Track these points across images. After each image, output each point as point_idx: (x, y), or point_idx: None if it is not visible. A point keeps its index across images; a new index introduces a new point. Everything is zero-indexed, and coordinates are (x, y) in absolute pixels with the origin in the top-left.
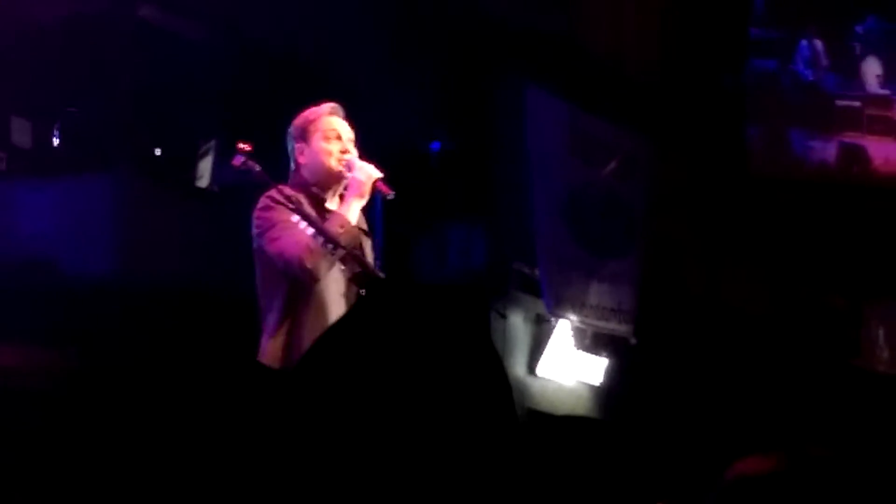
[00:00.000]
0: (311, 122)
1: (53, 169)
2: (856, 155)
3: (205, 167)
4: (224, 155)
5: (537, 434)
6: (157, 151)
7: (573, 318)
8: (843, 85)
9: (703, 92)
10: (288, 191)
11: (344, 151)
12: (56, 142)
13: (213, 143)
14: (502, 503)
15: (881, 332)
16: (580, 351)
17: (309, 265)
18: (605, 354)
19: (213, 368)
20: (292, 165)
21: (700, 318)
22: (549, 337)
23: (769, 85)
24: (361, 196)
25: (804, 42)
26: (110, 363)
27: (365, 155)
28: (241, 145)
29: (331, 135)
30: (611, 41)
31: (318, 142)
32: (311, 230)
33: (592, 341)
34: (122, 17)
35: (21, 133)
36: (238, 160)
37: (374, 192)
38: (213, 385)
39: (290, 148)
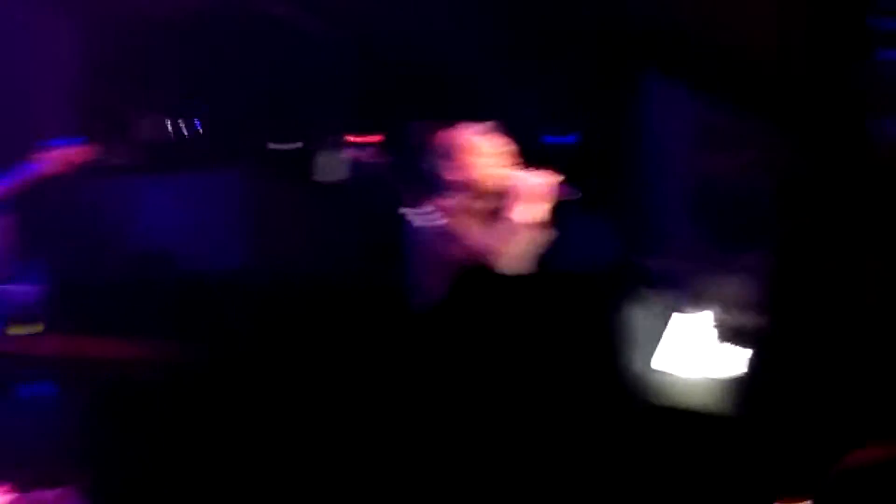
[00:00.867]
0: (458, 142)
1: (179, 163)
2: None
3: (330, 161)
4: (349, 149)
5: (663, 428)
6: (282, 146)
7: (703, 311)
8: None
9: (831, 83)
10: (448, 200)
11: (496, 171)
12: (183, 136)
13: (338, 137)
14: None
15: None
16: (710, 345)
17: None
18: (736, 348)
19: (338, 362)
20: (436, 180)
21: (834, 312)
22: (678, 331)
23: None
24: (536, 200)
25: None
26: (234, 357)
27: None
28: (368, 139)
29: (480, 155)
30: (740, 33)
31: (467, 162)
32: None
33: (723, 335)
34: (248, 12)
35: (147, 128)
36: (367, 153)
37: (549, 196)
38: (337, 378)
39: (431, 164)
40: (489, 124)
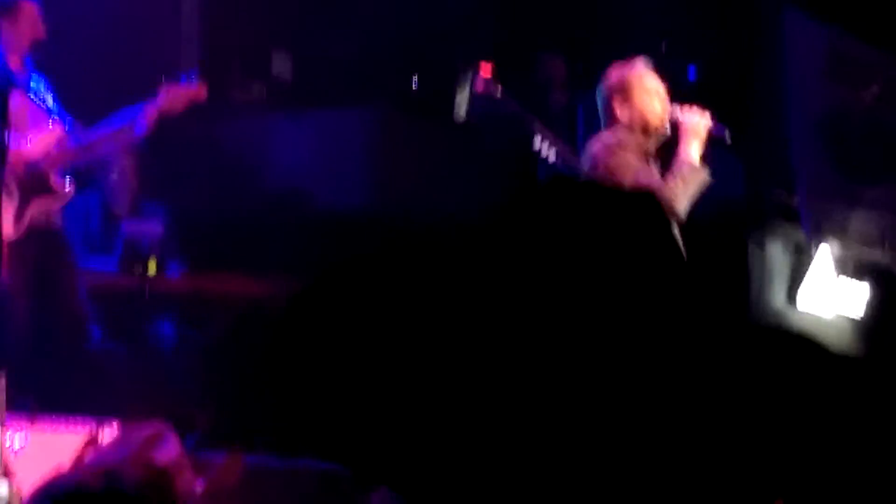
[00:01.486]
0: (631, 79)
1: (313, 101)
2: None
3: (462, 99)
4: (482, 86)
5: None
6: (415, 84)
7: (835, 246)
8: None
9: None
10: (626, 137)
11: (664, 109)
12: (314, 74)
13: (469, 74)
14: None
15: None
16: (842, 281)
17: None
18: (868, 284)
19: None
20: (607, 120)
21: None
22: (809, 266)
23: None
24: (699, 139)
25: None
26: (361, 297)
27: None
28: (482, 70)
29: (652, 93)
30: None
31: (640, 99)
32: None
33: (855, 271)
34: None
35: (282, 65)
36: (480, 85)
37: (709, 135)
38: (464, 320)
39: (603, 103)
40: (649, 61)
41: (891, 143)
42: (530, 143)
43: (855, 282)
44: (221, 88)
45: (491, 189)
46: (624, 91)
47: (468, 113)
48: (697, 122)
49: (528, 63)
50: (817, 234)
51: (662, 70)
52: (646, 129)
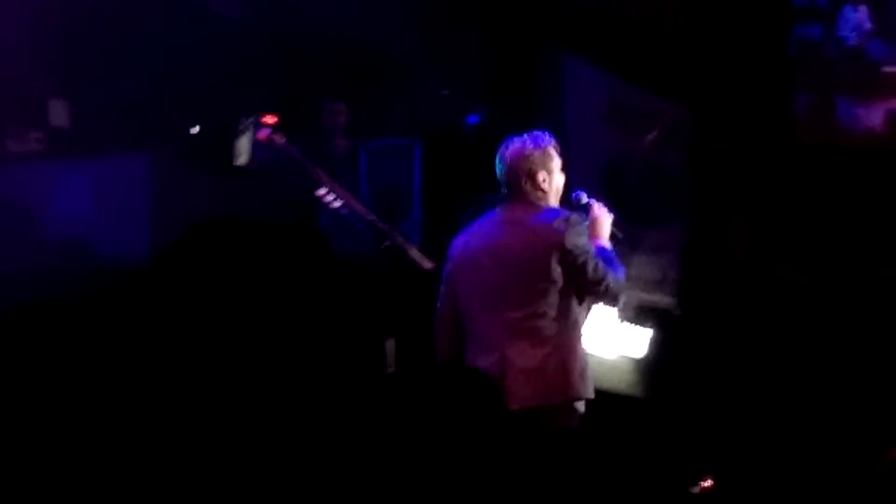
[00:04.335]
0: (551, 154)
1: (90, 149)
2: None
3: (242, 145)
4: (261, 132)
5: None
6: (195, 130)
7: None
8: (890, 51)
9: (747, 60)
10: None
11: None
12: (92, 122)
13: (251, 120)
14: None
15: None
16: (623, 323)
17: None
18: (648, 327)
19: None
20: (521, 192)
21: (746, 290)
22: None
23: (814, 52)
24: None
25: (848, 8)
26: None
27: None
28: (265, 119)
29: (559, 169)
30: (650, 9)
31: (557, 175)
32: None
33: (635, 313)
34: None
35: (58, 113)
36: (263, 133)
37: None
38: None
39: (516, 176)
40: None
41: (668, 187)
42: (313, 189)
43: (635, 323)
44: None
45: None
46: (545, 165)
47: (250, 160)
48: (606, 213)
49: (310, 110)
50: None
51: (445, 116)
52: (556, 202)
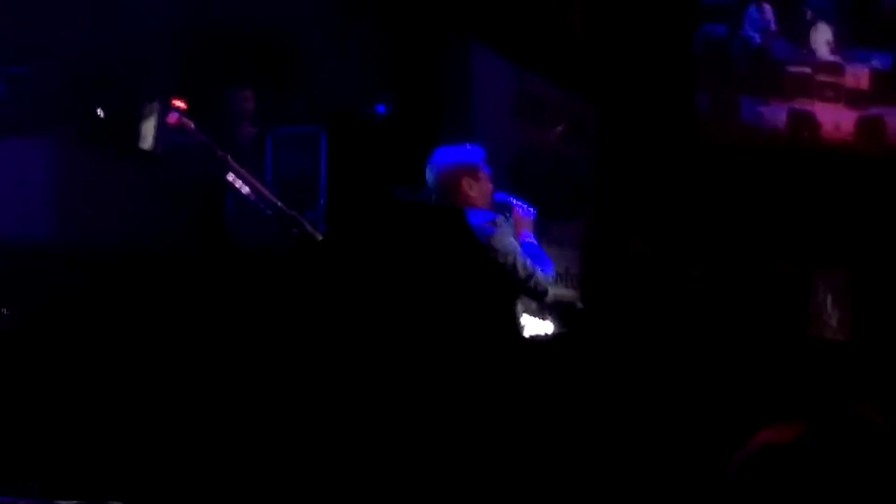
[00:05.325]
0: (478, 163)
1: None
2: (806, 121)
3: (147, 129)
4: (168, 116)
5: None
6: (100, 113)
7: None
8: (794, 51)
9: (652, 57)
10: None
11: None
12: None
13: (156, 104)
14: None
15: (829, 300)
16: (525, 316)
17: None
18: (550, 320)
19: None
20: (451, 197)
21: (646, 284)
22: None
23: (718, 51)
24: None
25: (753, 7)
26: (43, 325)
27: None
28: (175, 102)
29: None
30: (557, 1)
31: (485, 182)
32: None
33: (538, 306)
34: None
35: None
36: (173, 117)
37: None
38: (150, 348)
39: (446, 182)
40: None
41: (573, 180)
42: (221, 175)
43: (538, 316)
44: None
45: (178, 220)
46: (473, 173)
47: (156, 144)
48: (528, 211)
49: (216, 96)
50: None
51: (351, 105)
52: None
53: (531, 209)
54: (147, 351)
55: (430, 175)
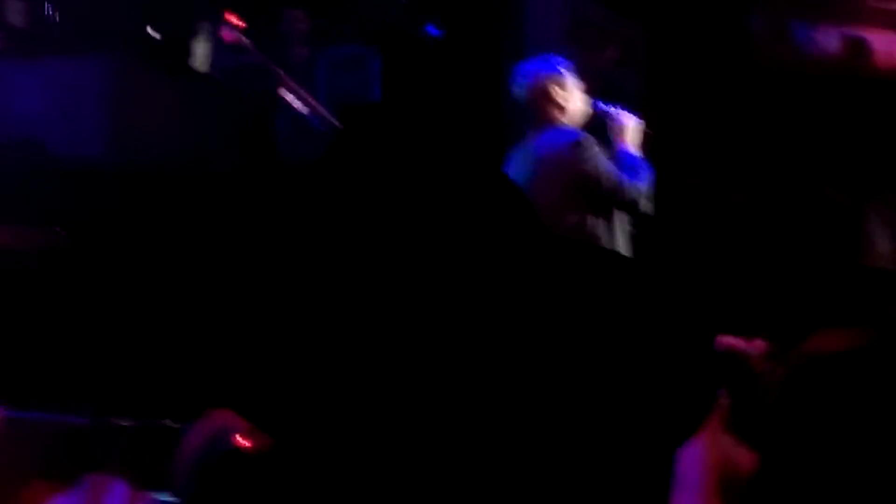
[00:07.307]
0: (563, 79)
1: (48, 49)
2: (859, 47)
3: (200, 49)
4: (223, 36)
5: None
6: (153, 32)
7: None
8: None
9: None
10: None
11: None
12: (49, 21)
13: (208, 24)
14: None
15: (882, 229)
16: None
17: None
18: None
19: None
20: (539, 116)
21: (698, 211)
22: None
23: None
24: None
25: None
26: (99, 244)
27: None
28: (232, 20)
29: (578, 91)
30: None
31: (573, 97)
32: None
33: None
34: None
35: (16, 12)
36: (229, 35)
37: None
38: (205, 266)
39: (532, 101)
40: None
41: (623, 105)
42: (274, 94)
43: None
44: None
45: (231, 140)
46: (560, 82)
47: (209, 64)
48: (627, 118)
49: (269, 16)
50: None
51: (405, 28)
52: (582, 118)
53: (630, 116)
54: (196, 269)
55: (517, 90)
